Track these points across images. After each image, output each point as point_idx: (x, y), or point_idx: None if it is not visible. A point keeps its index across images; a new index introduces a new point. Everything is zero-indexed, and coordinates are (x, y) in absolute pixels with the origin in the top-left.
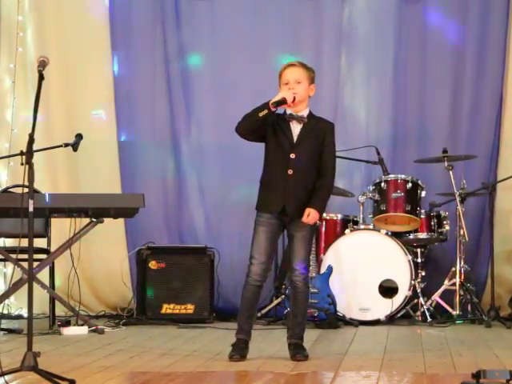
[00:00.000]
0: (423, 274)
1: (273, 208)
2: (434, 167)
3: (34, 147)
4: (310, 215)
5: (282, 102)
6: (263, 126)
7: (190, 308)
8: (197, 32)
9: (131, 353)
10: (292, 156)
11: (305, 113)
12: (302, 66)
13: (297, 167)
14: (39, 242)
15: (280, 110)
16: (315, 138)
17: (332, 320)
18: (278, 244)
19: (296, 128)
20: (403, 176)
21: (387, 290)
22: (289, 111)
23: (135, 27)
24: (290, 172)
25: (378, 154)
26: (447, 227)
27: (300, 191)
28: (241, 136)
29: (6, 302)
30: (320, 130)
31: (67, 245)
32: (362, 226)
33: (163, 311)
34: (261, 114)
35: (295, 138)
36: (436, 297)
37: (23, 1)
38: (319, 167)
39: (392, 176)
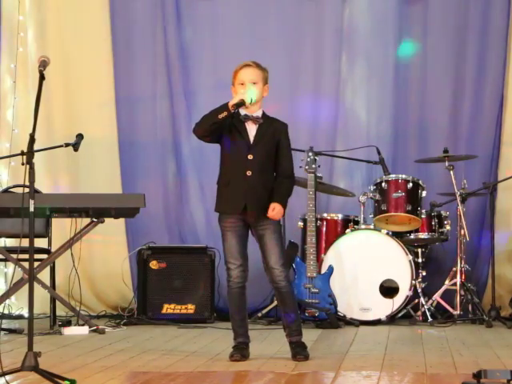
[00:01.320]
0: (424, 273)
1: (234, 209)
2: (435, 167)
3: (35, 147)
4: (276, 210)
5: (241, 103)
6: (221, 127)
7: (190, 308)
8: (197, 32)
9: (132, 353)
10: (250, 157)
11: (259, 113)
12: (258, 67)
13: (255, 168)
14: (40, 242)
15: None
16: (271, 138)
17: (333, 320)
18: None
19: (252, 129)
20: (404, 176)
21: (388, 289)
22: (243, 112)
23: (136, 27)
24: (249, 173)
25: (379, 153)
26: (448, 227)
27: (260, 191)
28: (199, 138)
29: (7, 301)
30: (276, 130)
31: (68, 245)
32: (362, 226)
33: (164, 311)
34: (220, 116)
35: (252, 139)
36: (437, 297)
37: (24, 1)
38: (276, 170)
39: (393, 176)
